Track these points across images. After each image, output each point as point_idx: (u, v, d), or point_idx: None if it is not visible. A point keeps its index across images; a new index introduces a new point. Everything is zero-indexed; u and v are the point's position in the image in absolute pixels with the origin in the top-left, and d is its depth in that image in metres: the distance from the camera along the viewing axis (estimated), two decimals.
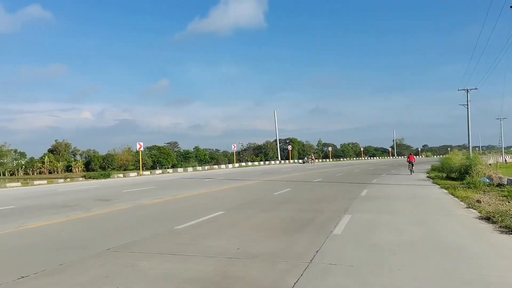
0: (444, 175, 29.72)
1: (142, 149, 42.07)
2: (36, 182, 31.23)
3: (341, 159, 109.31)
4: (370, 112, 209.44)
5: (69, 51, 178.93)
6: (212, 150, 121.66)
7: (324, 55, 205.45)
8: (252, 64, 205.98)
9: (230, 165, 58.97)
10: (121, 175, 39.54)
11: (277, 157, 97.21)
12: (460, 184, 20.75)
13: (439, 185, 22.22)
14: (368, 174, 33.96)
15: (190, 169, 49.36)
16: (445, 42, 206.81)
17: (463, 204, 13.54)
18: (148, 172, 44.38)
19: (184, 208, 13.61)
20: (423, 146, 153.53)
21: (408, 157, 36.44)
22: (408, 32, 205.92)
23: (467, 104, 53.73)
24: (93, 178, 35.22)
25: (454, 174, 27.28)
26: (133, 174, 40.41)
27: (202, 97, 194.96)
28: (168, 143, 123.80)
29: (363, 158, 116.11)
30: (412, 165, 35.18)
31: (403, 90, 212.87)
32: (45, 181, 33.45)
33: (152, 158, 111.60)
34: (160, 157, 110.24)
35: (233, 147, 60.10)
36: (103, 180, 34.15)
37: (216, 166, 56.77)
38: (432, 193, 17.52)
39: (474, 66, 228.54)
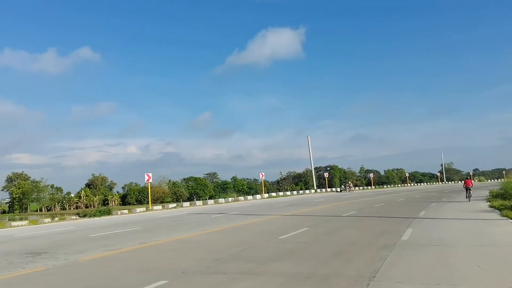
0: (508, 202, 23.40)
1: (151, 180, 37.72)
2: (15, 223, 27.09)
3: (385, 186, 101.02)
4: (415, 137, 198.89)
5: (117, 90, 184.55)
6: (251, 180, 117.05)
7: (365, 81, 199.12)
8: (292, 94, 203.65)
9: (258, 196, 53.39)
10: (126, 210, 35.10)
11: (314, 186, 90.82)
12: None
13: (508, 216, 16.33)
14: (414, 204, 27.91)
15: (210, 201, 44.44)
16: (492, 61, 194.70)
17: None
18: (159, 207, 39.69)
19: (117, 272, 8.76)
20: (474, 170, 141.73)
21: (465, 182, 31.08)
22: (452, 52, 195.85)
23: None
24: (90, 216, 30.78)
25: None
26: (141, 209, 36.01)
27: (243, 128, 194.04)
28: (207, 174, 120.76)
29: (409, 185, 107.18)
30: (470, 191, 30.43)
31: (449, 113, 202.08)
32: (48, 220, 29.72)
33: (189, 189, 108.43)
34: (197, 189, 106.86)
35: (261, 176, 54.92)
36: (97, 218, 29.65)
37: (242, 198, 51.33)
38: (508, 234, 11.78)
39: None
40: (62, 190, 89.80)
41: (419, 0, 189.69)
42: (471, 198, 30.29)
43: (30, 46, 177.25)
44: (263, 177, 55.21)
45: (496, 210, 20.28)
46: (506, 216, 17.02)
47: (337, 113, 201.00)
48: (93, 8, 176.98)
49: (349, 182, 77.28)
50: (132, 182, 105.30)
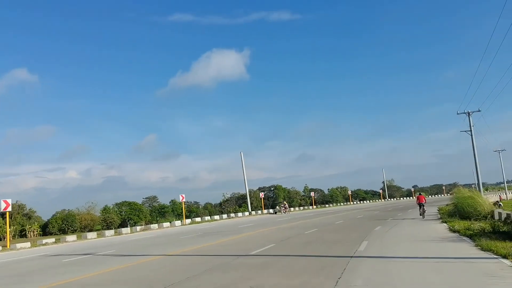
0: (471, 224, 17.69)
1: (9, 209, 28.10)
2: None
3: (327, 205, 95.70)
4: (358, 156, 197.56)
5: (56, 112, 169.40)
6: (191, 202, 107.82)
7: (310, 101, 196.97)
8: (238, 115, 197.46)
9: (178, 222, 43.35)
10: None
11: (249, 207, 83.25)
12: None
13: (492, 250, 10.13)
14: (355, 228, 21.47)
15: (109, 232, 35.25)
16: (429, 82, 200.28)
17: None
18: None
19: None
20: (413, 186, 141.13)
21: (418, 198, 28.71)
22: (394, 72, 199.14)
23: (470, 130, 42.08)
24: None
25: (486, 223, 15.68)
26: None
27: (189, 150, 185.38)
28: (146, 198, 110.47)
29: (352, 203, 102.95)
30: (423, 207, 27.61)
31: (389, 133, 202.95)
32: None
33: (122, 215, 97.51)
34: (131, 214, 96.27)
35: (181, 198, 46.88)
36: None
37: (154, 225, 41.26)
38: None
39: (460, 106, 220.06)
40: None
41: (363, 20, 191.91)
42: (425, 214, 27.30)
43: None
44: (184, 199, 47.23)
45: (465, 238, 14.04)
46: (489, 249, 10.68)
47: (283, 134, 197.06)
48: (29, 30, 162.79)
49: (284, 203, 70.21)
50: (65, 209, 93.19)
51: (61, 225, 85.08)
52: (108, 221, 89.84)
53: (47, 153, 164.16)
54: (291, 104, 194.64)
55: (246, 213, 62.90)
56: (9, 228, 78.07)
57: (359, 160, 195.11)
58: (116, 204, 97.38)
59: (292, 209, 78.26)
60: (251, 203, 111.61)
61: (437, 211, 32.33)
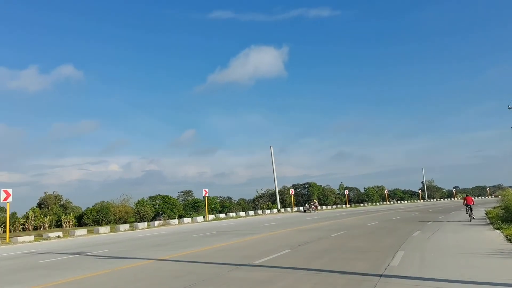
0: None
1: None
2: None
3: (362, 205, 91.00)
4: (396, 156, 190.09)
5: (101, 107, 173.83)
6: (224, 198, 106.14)
7: (346, 102, 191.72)
8: (275, 112, 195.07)
9: (200, 218, 39.99)
10: None
11: (278, 204, 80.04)
12: None
13: None
14: (390, 232, 18.22)
15: (124, 226, 33.18)
16: (471, 81, 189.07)
17: None
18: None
19: None
20: (454, 187, 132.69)
21: (465, 200, 25.87)
22: (431, 76, 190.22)
23: None
24: None
25: None
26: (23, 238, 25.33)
27: (226, 146, 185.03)
28: (181, 192, 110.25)
29: (388, 203, 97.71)
30: (471, 210, 25.07)
31: (428, 132, 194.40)
32: None
33: (156, 208, 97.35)
34: (164, 207, 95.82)
35: (204, 192, 44.38)
36: None
37: (174, 221, 38.79)
38: None
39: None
40: (4, 209, 78.32)
41: (402, 26, 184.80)
42: (473, 218, 24.36)
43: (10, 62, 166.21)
44: (207, 194, 44.50)
45: None
46: None
47: (318, 132, 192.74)
48: (79, 31, 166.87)
49: (314, 200, 66.58)
50: (104, 201, 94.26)
51: (96, 216, 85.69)
52: (141, 214, 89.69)
53: (91, 147, 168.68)
54: (326, 104, 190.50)
55: (275, 210, 60.02)
56: (46, 218, 79.34)
57: (397, 159, 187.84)
58: (150, 198, 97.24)
59: (323, 207, 74.58)
60: (283, 200, 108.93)
61: (485, 215, 28.30)
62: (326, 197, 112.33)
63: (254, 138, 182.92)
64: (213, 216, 44.83)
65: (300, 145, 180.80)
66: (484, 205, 49.81)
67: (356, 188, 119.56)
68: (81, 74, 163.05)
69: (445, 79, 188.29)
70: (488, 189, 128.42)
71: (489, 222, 22.15)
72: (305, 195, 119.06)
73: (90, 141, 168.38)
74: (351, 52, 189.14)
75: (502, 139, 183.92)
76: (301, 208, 65.63)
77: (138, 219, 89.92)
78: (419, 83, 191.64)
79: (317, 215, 44.48)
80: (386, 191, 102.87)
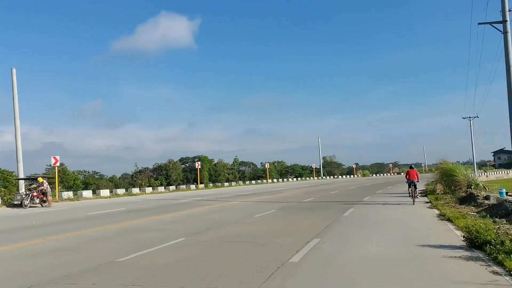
0: None
1: None
2: None
3: (255, 182, 77.16)
4: (305, 133, 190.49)
5: None
6: (89, 172, 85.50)
7: (258, 80, 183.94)
8: (187, 85, 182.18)
9: None
10: None
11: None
12: None
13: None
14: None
15: None
16: (369, 68, 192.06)
17: None
18: None
19: None
20: (355, 163, 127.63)
21: (408, 174, 19.90)
22: (341, 56, 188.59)
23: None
24: None
25: None
26: None
27: (136, 119, 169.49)
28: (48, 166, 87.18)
29: (288, 180, 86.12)
30: (415, 187, 19.25)
31: (338, 112, 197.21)
32: None
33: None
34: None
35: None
36: None
37: None
38: None
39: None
40: None
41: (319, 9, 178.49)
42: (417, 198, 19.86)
43: None
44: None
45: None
46: None
47: (231, 108, 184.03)
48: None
49: (41, 181, 30.48)
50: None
51: None
52: None
53: None
54: (237, 80, 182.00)
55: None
56: None
57: (305, 136, 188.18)
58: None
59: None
60: (169, 176, 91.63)
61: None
62: (218, 173, 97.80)
63: (166, 111, 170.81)
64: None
65: (213, 119, 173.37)
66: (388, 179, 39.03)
67: (253, 163, 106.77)
68: None
69: (355, 60, 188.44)
70: (390, 165, 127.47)
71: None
72: (194, 171, 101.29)
73: None
74: (262, 30, 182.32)
75: (401, 120, 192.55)
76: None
77: None
78: (333, 63, 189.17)
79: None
80: (267, 165, 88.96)
